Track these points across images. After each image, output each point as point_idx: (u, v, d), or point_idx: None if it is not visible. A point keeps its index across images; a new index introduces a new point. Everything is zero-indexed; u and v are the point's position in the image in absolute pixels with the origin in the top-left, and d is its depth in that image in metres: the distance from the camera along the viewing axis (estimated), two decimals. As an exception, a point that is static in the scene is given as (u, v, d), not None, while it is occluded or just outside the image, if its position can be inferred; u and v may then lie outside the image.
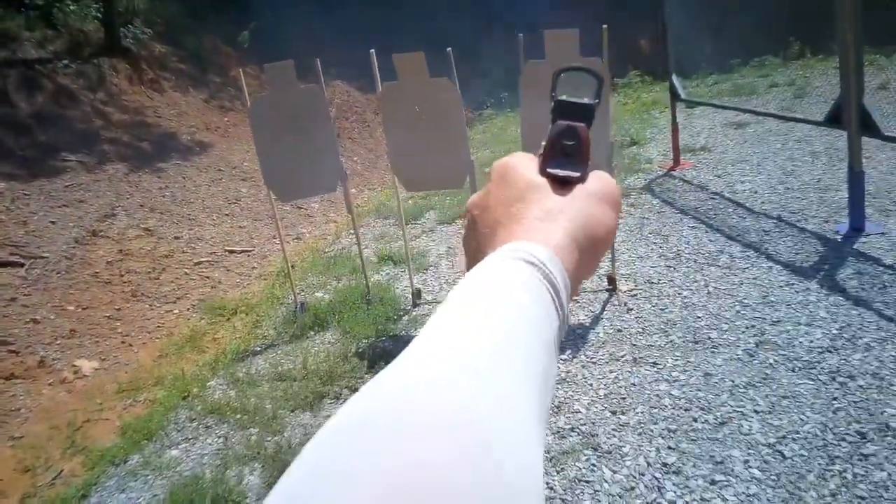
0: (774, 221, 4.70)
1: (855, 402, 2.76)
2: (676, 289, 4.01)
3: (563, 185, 0.47)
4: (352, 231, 4.92)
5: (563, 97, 0.51)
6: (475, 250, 0.47)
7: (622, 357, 3.40)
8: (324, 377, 3.64)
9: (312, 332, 4.26)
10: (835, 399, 2.80)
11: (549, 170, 0.48)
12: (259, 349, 4.23)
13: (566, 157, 0.48)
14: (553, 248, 0.41)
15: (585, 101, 0.50)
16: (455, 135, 4.03)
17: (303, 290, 4.94)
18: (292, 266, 5.11)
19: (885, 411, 2.66)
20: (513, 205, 0.46)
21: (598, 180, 0.49)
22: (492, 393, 0.30)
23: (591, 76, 0.53)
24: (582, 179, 0.48)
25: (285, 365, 3.89)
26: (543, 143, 0.49)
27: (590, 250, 0.45)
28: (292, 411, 3.43)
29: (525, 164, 0.49)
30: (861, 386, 2.85)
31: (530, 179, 0.47)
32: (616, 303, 3.97)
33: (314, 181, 4.36)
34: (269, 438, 3.24)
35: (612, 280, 4.12)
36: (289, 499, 0.25)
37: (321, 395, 3.51)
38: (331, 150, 4.28)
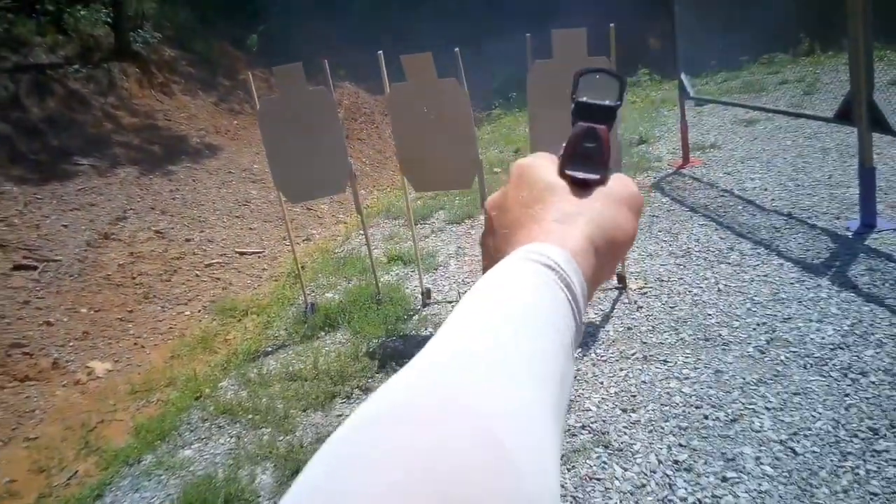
0: (785, 218, 4.68)
1: (867, 398, 2.74)
2: (687, 286, 4.00)
3: (582, 188, 0.46)
4: (361, 232, 4.93)
5: (584, 99, 0.50)
6: (493, 250, 0.47)
7: (632, 355, 3.40)
8: (335, 377, 3.66)
9: (323, 333, 4.28)
10: (847, 395, 2.79)
11: (568, 172, 0.47)
12: (270, 350, 4.25)
13: (586, 159, 0.47)
14: (571, 252, 0.41)
15: (607, 102, 0.49)
16: (463, 135, 4.04)
17: (313, 291, 4.96)
18: (302, 267, 5.14)
19: (899, 407, 2.65)
20: (531, 206, 0.45)
21: (619, 183, 0.48)
22: (506, 393, 0.30)
23: (612, 78, 0.52)
24: (602, 182, 0.47)
25: (296, 365, 3.91)
26: (563, 145, 0.49)
27: (607, 254, 0.44)
28: (304, 411, 3.45)
29: (544, 165, 0.48)
30: (873, 382, 2.84)
31: (549, 181, 0.46)
32: (626, 301, 3.97)
33: (323, 182, 4.38)
34: (280, 438, 3.26)
35: (621, 278, 4.11)
36: (311, 489, 0.26)
37: (332, 394, 3.53)
38: (339, 151, 4.30)
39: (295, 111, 4.19)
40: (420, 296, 4.44)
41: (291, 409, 3.47)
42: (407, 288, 4.69)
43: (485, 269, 0.47)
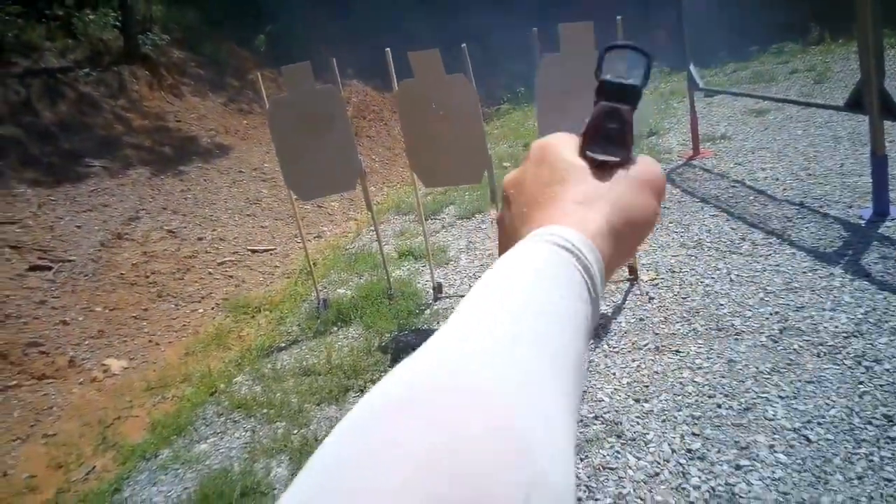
0: (797, 208, 4.66)
1: (881, 385, 2.73)
2: (698, 277, 3.99)
3: (604, 169, 0.45)
4: (372, 228, 4.95)
5: (608, 77, 0.48)
6: (510, 228, 0.46)
7: (644, 346, 3.40)
8: (348, 371, 3.68)
9: (336, 328, 4.30)
10: (861, 383, 2.78)
11: (589, 153, 0.46)
12: (284, 345, 4.28)
13: (608, 140, 0.46)
14: (590, 234, 0.41)
15: (631, 81, 0.47)
16: (472, 131, 4.05)
17: (325, 287, 4.99)
18: (314, 264, 5.17)
19: (912, 394, 2.64)
20: (551, 186, 0.45)
21: (642, 165, 0.47)
22: (523, 379, 0.30)
23: (639, 55, 0.49)
24: (624, 164, 0.46)
25: (310, 360, 3.94)
26: (586, 121, 0.48)
27: (627, 237, 0.44)
28: (318, 405, 3.48)
29: (565, 145, 0.47)
30: (887, 370, 2.82)
31: (570, 161, 0.46)
32: (638, 292, 3.97)
33: (333, 180, 4.40)
34: (295, 431, 3.28)
35: (633, 270, 4.11)
36: (317, 482, 0.26)
37: (346, 388, 3.56)
38: (349, 149, 4.32)
39: (304, 110, 4.21)
40: (431, 290, 4.45)
41: (305, 403, 3.50)
42: (418, 283, 4.70)
43: (500, 246, 0.47)
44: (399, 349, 3.84)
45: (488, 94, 11.03)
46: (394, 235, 5.90)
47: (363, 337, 4.07)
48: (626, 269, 4.13)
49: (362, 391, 3.53)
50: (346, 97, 9.12)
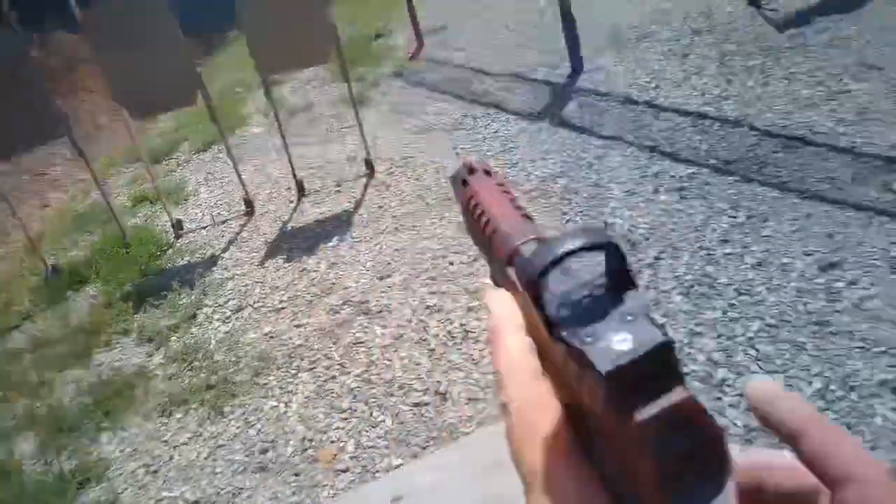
0: (510, 78, 4.99)
1: (580, 210, 3.11)
2: (429, 159, 4.18)
3: None
4: (104, 184, 4.51)
5: (615, 358, 0.22)
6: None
7: (385, 229, 3.53)
8: (88, 329, 3.42)
9: (71, 292, 3.94)
10: (565, 213, 3.14)
11: None
12: (14, 325, 3.84)
13: (687, 464, 0.22)
14: None
15: (655, 339, 0.23)
16: (172, 52, 3.81)
17: (55, 255, 4.50)
18: (40, 236, 4.64)
19: (603, 210, 3.03)
20: None
21: None
22: None
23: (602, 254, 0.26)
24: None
25: (46, 331, 3.59)
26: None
27: None
28: (60, 371, 3.20)
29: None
30: (585, 197, 3.21)
31: None
32: (376, 184, 4.07)
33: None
34: (38, 404, 3.01)
35: (369, 164, 4.19)
36: None
37: (89, 346, 3.31)
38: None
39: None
40: (171, 229, 4.21)
41: (46, 373, 3.20)
42: (157, 225, 4.42)
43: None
44: (143, 293, 3.62)
45: (211, 18, 10.32)
46: (126, 185, 5.44)
47: (102, 292, 3.77)
48: (364, 165, 4.20)
49: (108, 344, 3.30)
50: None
